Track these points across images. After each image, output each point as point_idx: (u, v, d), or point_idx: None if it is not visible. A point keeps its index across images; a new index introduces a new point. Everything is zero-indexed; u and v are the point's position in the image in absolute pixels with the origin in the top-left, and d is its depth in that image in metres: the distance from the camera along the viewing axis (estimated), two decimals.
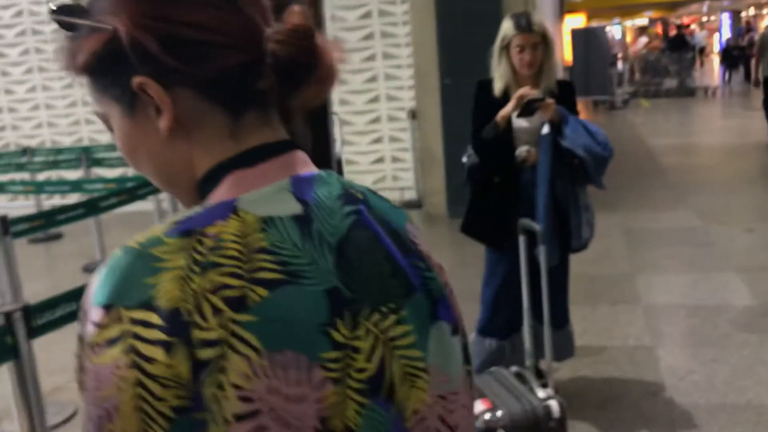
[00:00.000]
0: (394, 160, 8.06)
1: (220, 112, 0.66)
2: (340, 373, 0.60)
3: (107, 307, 0.57)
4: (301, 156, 0.70)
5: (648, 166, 8.62)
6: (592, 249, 3.19)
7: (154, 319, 0.56)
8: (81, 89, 8.86)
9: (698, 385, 3.31)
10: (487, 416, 2.12)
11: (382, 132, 8.01)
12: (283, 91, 0.67)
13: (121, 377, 0.55)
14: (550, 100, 2.80)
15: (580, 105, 4.02)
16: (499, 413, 2.13)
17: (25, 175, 7.57)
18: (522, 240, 2.83)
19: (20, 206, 8.41)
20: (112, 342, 0.56)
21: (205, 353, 0.55)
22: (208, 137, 0.66)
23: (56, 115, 9.04)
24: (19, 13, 8.90)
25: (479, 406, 2.17)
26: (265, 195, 0.64)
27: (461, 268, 5.31)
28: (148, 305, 0.56)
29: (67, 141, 9.01)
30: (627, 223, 6.07)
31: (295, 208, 0.64)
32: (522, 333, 2.98)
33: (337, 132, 7.11)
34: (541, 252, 2.74)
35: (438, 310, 0.71)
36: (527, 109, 2.79)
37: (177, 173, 0.68)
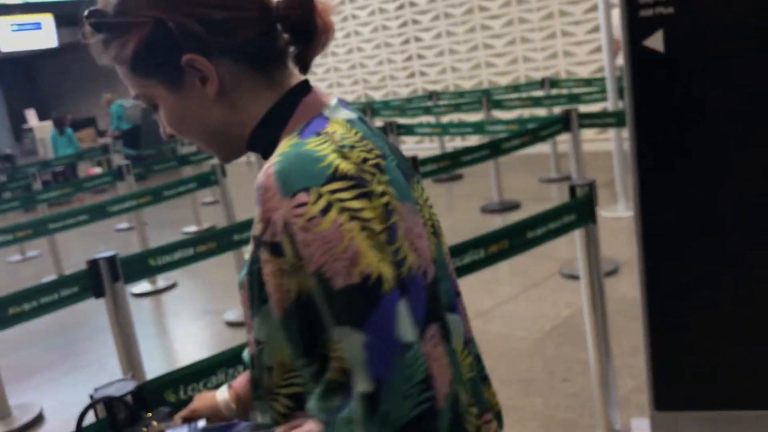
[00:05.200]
0: None
1: (252, 71, 0.87)
2: (424, 219, 0.87)
3: (305, 190, 0.76)
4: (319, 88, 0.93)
5: None
6: None
7: (345, 184, 0.77)
8: (482, 32, 9.05)
9: None
10: None
11: None
12: (297, 45, 0.89)
13: (348, 229, 0.75)
14: None
15: None
16: None
17: (431, 118, 8.03)
18: None
19: (425, 148, 9.01)
20: (324, 211, 0.75)
21: (381, 200, 0.79)
22: (247, 93, 0.88)
23: (458, 59, 9.41)
24: None
25: None
26: (333, 108, 0.89)
27: None
28: (335, 178, 0.77)
29: (467, 84, 9.34)
30: None
31: (355, 113, 0.90)
32: None
33: None
34: None
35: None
36: None
37: (224, 129, 0.90)
